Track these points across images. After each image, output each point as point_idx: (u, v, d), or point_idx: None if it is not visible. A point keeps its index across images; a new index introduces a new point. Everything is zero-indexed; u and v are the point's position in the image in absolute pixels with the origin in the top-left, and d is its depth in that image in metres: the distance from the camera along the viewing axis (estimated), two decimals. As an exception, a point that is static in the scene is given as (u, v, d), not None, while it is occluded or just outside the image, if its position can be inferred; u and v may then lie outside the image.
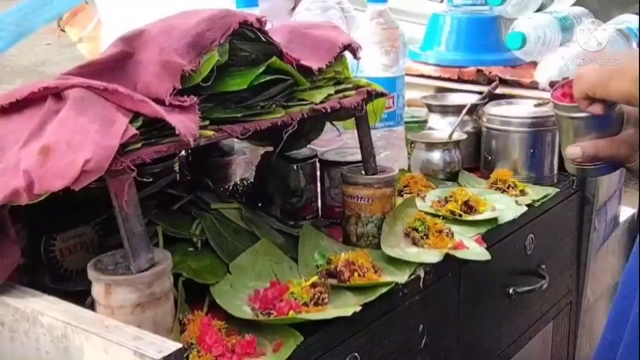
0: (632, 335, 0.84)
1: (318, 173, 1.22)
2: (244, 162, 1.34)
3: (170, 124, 0.75)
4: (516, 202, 1.26)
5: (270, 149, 1.19)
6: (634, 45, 1.64)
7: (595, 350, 0.97)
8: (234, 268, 0.92)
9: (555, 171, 1.41)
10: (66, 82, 0.76)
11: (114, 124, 0.73)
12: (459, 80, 1.64)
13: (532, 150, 1.37)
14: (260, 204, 1.14)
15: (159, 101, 0.79)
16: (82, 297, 0.81)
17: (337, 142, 1.30)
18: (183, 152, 1.28)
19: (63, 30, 2.00)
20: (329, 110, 0.97)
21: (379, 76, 1.28)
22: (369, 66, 1.30)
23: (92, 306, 0.78)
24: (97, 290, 0.76)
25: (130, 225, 0.75)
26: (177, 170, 1.18)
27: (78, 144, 0.70)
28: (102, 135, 0.71)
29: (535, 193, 1.32)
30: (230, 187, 1.23)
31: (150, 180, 0.78)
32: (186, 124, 0.77)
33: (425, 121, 1.50)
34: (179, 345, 0.67)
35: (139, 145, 0.76)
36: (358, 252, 0.98)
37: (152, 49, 0.81)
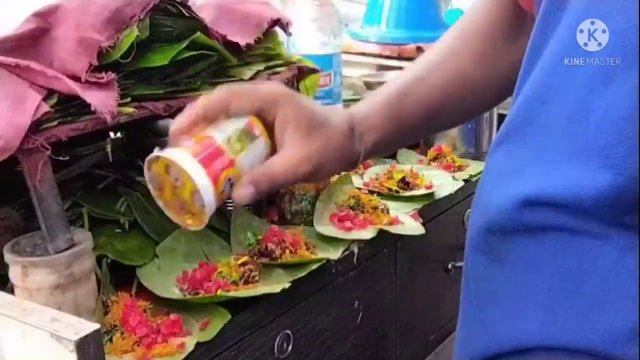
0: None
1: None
2: (180, 143, 1.32)
3: (86, 101, 0.73)
4: (453, 177, 1.27)
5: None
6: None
7: None
8: (161, 251, 0.90)
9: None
10: (-24, 60, 0.74)
11: (25, 101, 0.71)
12: (400, 58, 1.63)
13: (470, 126, 1.37)
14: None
15: (76, 78, 0.77)
16: (7, 281, 0.79)
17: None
18: (118, 134, 1.25)
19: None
20: (257, 86, 0.96)
21: (315, 54, 1.27)
22: (304, 44, 1.28)
23: (13, 290, 0.76)
24: (14, 273, 0.74)
25: (46, 205, 0.73)
26: (109, 152, 1.15)
27: (-13, 122, 0.68)
28: (12, 112, 0.69)
29: (473, 168, 1.33)
30: (166, 168, 1.21)
31: (67, 159, 0.76)
32: (103, 100, 0.75)
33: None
34: (96, 327, 0.65)
35: (55, 123, 0.74)
36: (291, 230, 0.98)
37: (68, 25, 0.79)
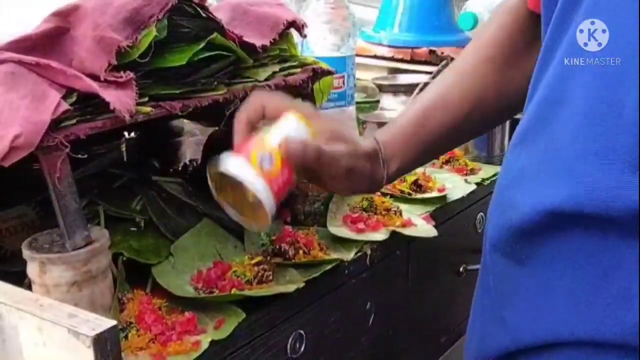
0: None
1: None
2: (194, 143, 1.32)
3: (105, 100, 0.74)
4: (465, 180, 1.27)
5: (221, 129, 1.17)
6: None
7: None
8: (176, 249, 0.91)
9: (506, 150, 1.42)
10: (-4, 57, 0.75)
11: (45, 99, 0.71)
12: (412, 61, 1.64)
13: (482, 130, 1.37)
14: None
15: (95, 77, 0.77)
16: (24, 277, 0.79)
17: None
18: (133, 134, 1.26)
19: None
20: (273, 87, 0.96)
21: (329, 56, 1.28)
22: (318, 46, 1.29)
23: (30, 286, 0.77)
24: (32, 269, 0.75)
25: (64, 202, 0.73)
26: (124, 151, 1.16)
27: (7, 119, 0.69)
28: (32, 110, 0.70)
29: (485, 172, 1.33)
30: (180, 168, 1.22)
31: (86, 156, 0.77)
32: (122, 99, 0.75)
33: (378, 102, 1.50)
34: (113, 323, 0.66)
35: (74, 121, 0.74)
36: (304, 231, 0.98)
37: (87, 25, 0.80)
